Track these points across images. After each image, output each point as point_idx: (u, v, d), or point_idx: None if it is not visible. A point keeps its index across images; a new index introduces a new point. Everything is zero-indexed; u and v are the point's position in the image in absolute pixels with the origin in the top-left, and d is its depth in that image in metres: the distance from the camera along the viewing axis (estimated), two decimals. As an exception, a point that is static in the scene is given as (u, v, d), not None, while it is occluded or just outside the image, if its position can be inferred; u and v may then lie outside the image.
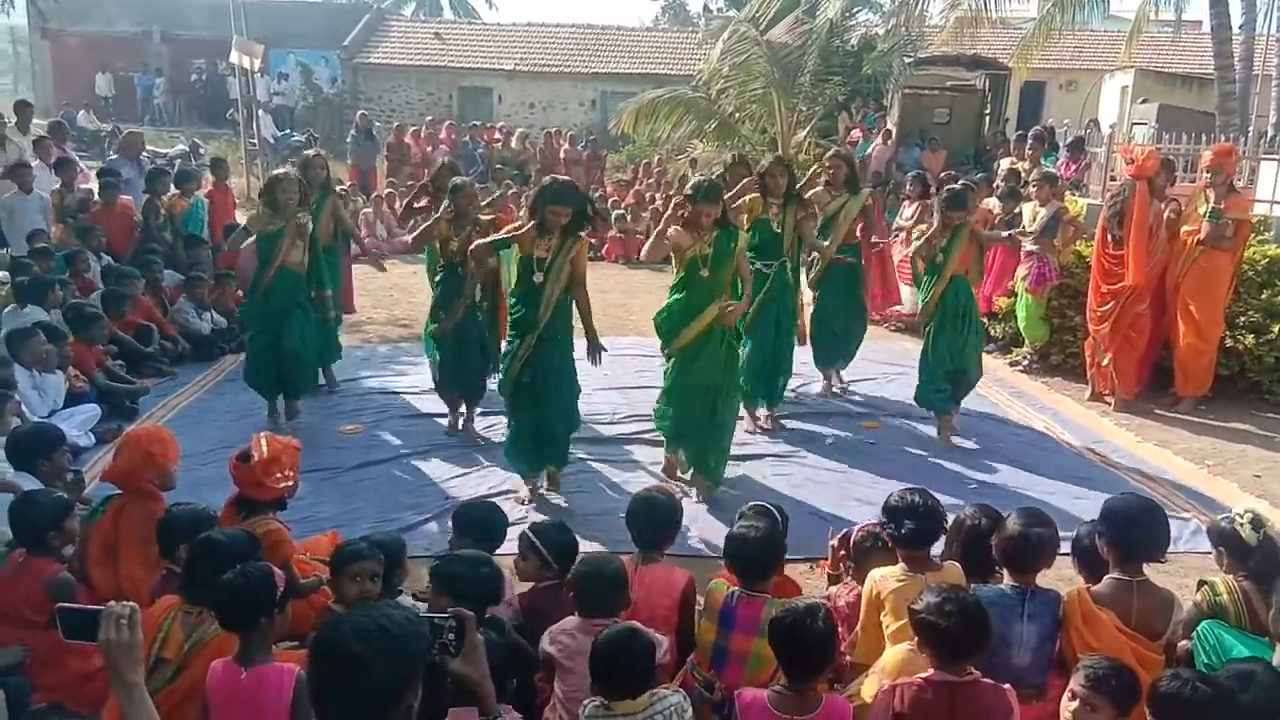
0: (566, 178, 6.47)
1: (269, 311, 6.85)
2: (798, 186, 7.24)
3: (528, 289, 5.60)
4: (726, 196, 6.21)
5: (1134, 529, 3.42)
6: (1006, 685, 3.00)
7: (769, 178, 6.99)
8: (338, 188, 11.71)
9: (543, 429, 5.80)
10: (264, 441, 4.14)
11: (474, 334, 6.80)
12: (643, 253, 6.45)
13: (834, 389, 8.26)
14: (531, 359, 5.64)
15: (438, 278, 6.98)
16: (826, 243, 7.50)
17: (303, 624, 3.53)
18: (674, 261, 5.91)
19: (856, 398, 8.14)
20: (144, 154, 12.61)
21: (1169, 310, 7.87)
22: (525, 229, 5.62)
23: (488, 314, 6.99)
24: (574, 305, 5.75)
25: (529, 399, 5.73)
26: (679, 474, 6.21)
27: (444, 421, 7.14)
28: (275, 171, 7.23)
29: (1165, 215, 7.73)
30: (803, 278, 7.67)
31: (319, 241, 7.31)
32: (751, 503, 4.14)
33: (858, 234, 7.91)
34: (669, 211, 6.18)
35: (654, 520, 3.90)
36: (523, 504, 5.75)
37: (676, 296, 5.87)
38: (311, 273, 7.11)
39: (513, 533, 4.17)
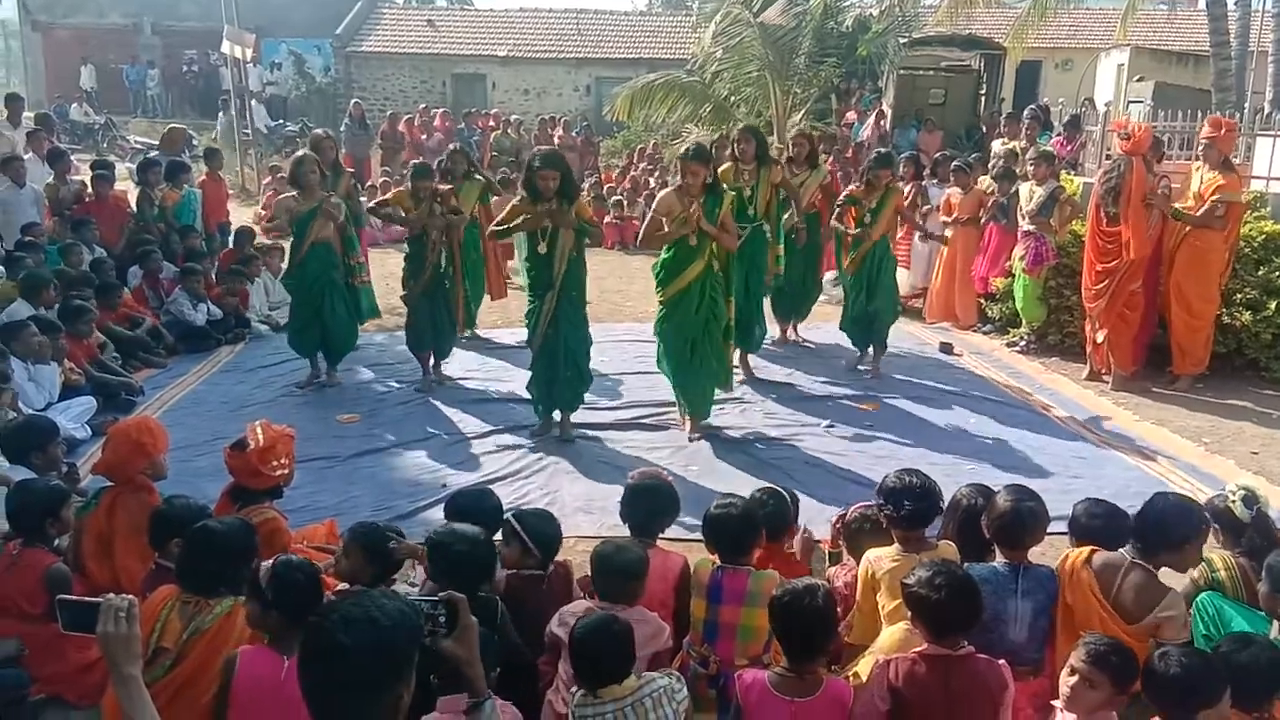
0: (547, 147, 7.43)
1: (305, 285, 7.50)
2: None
3: (537, 255, 6.19)
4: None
5: (1160, 530, 3.39)
6: (1001, 660, 3.01)
7: (738, 144, 7.64)
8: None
9: (555, 374, 6.38)
10: (260, 430, 4.13)
11: (441, 297, 7.56)
12: (639, 236, 6.86)
13: (790, 338, 9.21)
14: (555, 315, 6.22)
15: (405, 250, 7.68)
16: (786, 215, 8.24)
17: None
18: (665, 224, 6.30)
19: (854, 390, 8.14)
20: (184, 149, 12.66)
21: (1164, 288, 7.85)
22: (522, 208, 6.13)
23: (452, 279, 7.75)
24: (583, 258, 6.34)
25: (550, 349, 6.32)
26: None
27: (442, 407, 7.21)
28: (299, 154, 7.78)
29: (1158, 192, 7.71)
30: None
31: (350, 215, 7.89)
32: (765, 487, 4.15)
33: (817, 204, 8.65)
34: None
35: (651, 506, 3.92)
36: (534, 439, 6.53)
37: (666, 255, 6.43)
38: (345, 245, 7.68)
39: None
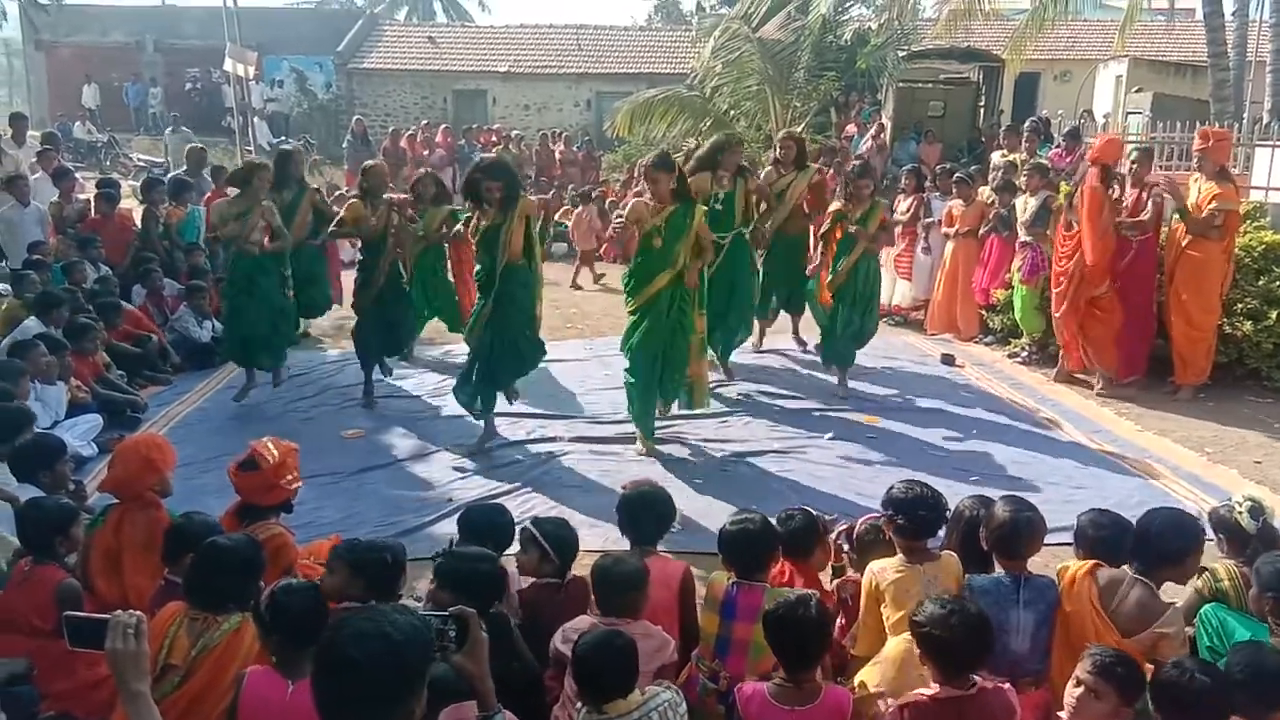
0: (493, 155, 7.48)
1: (233, 289, 7.50)
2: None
3: (482, 259, 6.31)
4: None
5: (1161, 543, 3.42)
6: (1006, 685, 3.01)
7: (719, 155, 7.56)
8: (336, 192, 11.80)
9: (487, 371, 6.46)
10: (271, 445, 4.17)
11: (394, 305, 7.63)
12: (608, 233, 6.76)
13: (763, 343, 9.28)
14: (490, 318, 6.29)
15: (359, 257, 7.76)
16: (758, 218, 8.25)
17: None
18: (635, 232, 6.36)
19: (859, 389, 8.15)
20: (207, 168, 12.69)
21: (1164, 299, 7.88)
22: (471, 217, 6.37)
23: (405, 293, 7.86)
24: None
25: (485, 347, 6.39)
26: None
27: (446, 422, 7.25)
28: (251, 159, 7.84)
29: (1148, 204, 7.75)
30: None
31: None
32: (793, 506, 4.17)
33: (805, 207, 8.61)
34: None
35: (649, 514, 3.92)
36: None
37: (636, 262, 6.47)
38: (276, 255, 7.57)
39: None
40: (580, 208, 14.24)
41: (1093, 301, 7.89)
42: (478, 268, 6.48)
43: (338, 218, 7.63)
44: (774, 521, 3.80)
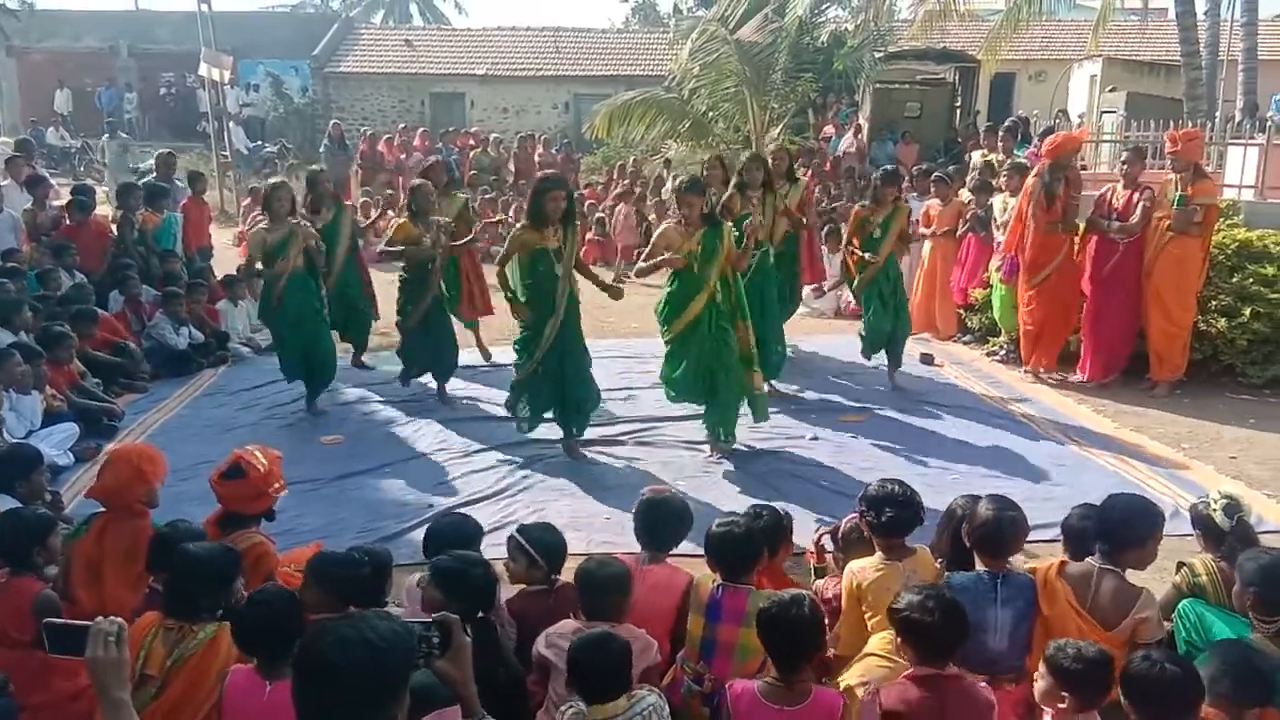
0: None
1: (287, 319, 7.35)
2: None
3: (540, 280, 6.14)
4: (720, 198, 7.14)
5: (1126, 528, 3.47)
6: (983, 682, 3.05)
7: (745, 173, 7.61)
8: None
9: (568, 400, 6.40)
10: (259, 453, 4.15)
11: (439, 319, 7.65)
12: (636, 268, 6.79)
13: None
14: (556, 342, 6.20)
15: (403, 275, 7.63)
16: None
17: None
18: (666, 257, 6.28)
19: (841, 394, 8.18)
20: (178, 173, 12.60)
21: (1143, 296, 7.96)
22: (524, 232, 6.14)
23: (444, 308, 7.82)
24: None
25: (555, 378, 6.30)
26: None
27: (426, 426, 7.25)
28: (274, 180, 7.84)
29: (1140, 202, 7.82)
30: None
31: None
32: (758, 504, 4.19)
33: (795, 215, 8.51)
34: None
35: (664, 522, 3.91)
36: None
37: (670, 289, 6.41)
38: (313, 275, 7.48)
39: (496, 538, 4.19)
40: (621, 206, 15.17)
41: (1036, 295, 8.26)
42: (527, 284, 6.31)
43: (387, 238, 7.66)
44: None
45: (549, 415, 6.56)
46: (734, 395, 6.52)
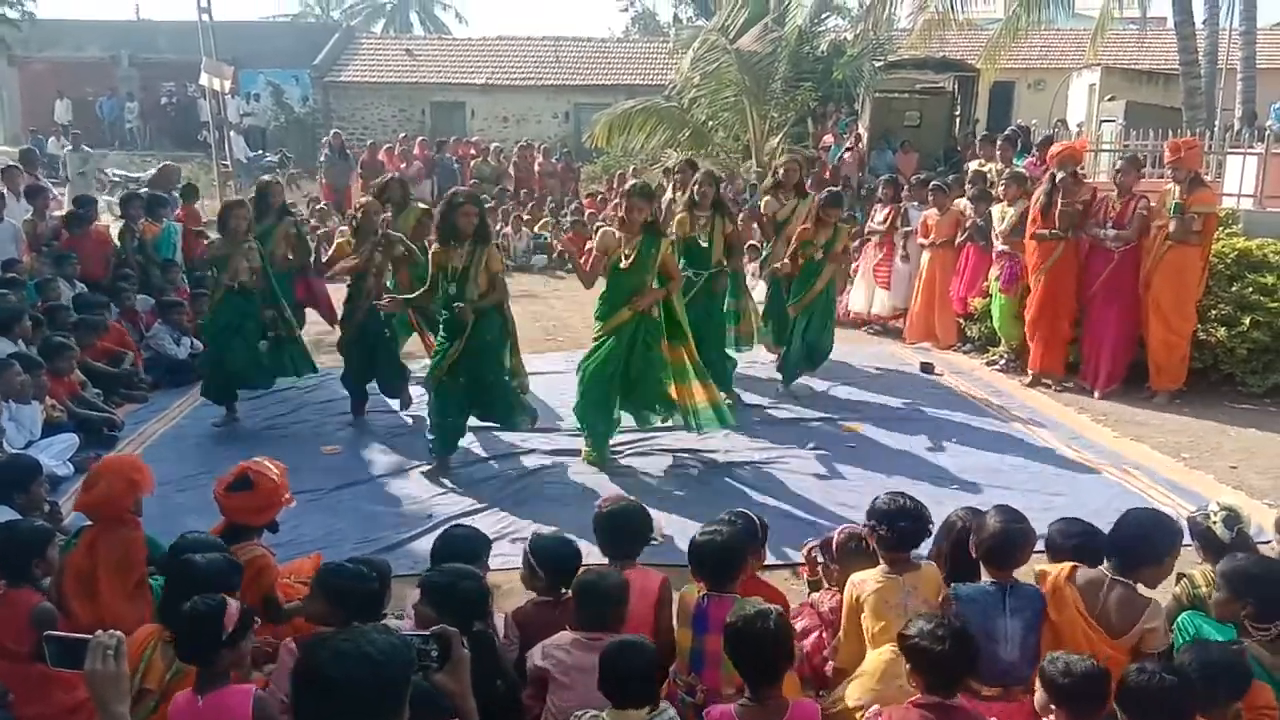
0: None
1: (217, 329, 7.45)
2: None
3: (447, 299, 6.11)
4: (681, 196, 7.23)
5: (1145, 545, 3.42)
6: (996, 703, 3.05)
7: (697, 189, 7.38)
8: (316, 207, 11.68)
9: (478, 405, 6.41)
10: (268, 464, 4.15)
11: (376, 334, 7.45)
12: (584, 270, 6.59)
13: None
14: (457, 364, 6.15)
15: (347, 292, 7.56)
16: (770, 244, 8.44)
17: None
18: (603, 261, 6.33)
19: (839, 398, 8.18)
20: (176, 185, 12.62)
21: (1142, 305, 7.96)
22: (435, 250, 6.14)
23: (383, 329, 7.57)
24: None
25: (457, 396, 6.28)
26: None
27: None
28: (231, 199, 7.88)
29: (1137, 211, 7.83)
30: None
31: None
32: (733, 510, 4.16)
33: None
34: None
35: (625, 530, 3.90)
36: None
37: (603, 292, 6.44)
38: (267, 295, 7.57)
39: (496, 549, 4.19)
40: None
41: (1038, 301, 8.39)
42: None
43: (329, 256, 7.90)
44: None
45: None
46: (641, 413, 6.57)
